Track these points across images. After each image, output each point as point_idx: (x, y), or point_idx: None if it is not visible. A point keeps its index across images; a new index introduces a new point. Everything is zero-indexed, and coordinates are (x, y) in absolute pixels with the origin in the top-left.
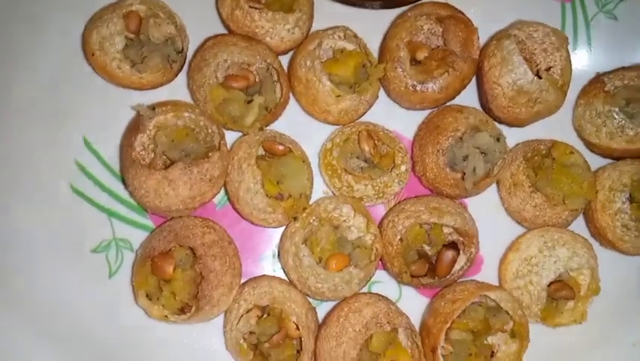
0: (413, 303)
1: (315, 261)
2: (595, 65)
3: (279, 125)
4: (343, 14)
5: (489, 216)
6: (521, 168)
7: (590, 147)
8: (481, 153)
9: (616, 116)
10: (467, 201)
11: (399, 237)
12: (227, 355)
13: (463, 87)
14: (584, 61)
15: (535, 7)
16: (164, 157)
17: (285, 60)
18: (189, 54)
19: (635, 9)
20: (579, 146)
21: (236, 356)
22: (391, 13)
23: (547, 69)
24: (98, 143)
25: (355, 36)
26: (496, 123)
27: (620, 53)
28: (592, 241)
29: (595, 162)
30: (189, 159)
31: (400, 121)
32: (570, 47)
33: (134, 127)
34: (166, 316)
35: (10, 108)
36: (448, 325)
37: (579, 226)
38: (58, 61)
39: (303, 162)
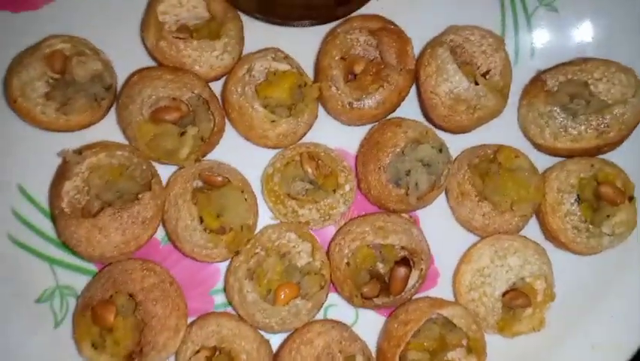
0: (371, 324)
1: (259, 296)
2: (537, 63)
3: (217, 153)
4: (274, 35)
5: (441, 226)
6: (467, 177)
7: (537, 147)
8: (425, 165)
9: (557, 116)
10: (418, 213)
11: (345, 261)
12: None
13: (401, 100)
14: (525, 59)
15: (473, 5)
16: (97, 200)
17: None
18: (119, 88)
19: (575, 1)
20: (527, 146)
21: None
22: (323, 29)
23: (487, 72)
24: (34, 189)
25: (287, 57)
26: (440, 131)
27: (561, 49)
28: (547, 243)
29: (545, 161)
30: (122, 201)
31: (342, 137)
32: (512, 47)
33: (61, 174)
34: None
35: None
36: (402, 348)
37: (533, 228)
38: None
39: (242, 192)
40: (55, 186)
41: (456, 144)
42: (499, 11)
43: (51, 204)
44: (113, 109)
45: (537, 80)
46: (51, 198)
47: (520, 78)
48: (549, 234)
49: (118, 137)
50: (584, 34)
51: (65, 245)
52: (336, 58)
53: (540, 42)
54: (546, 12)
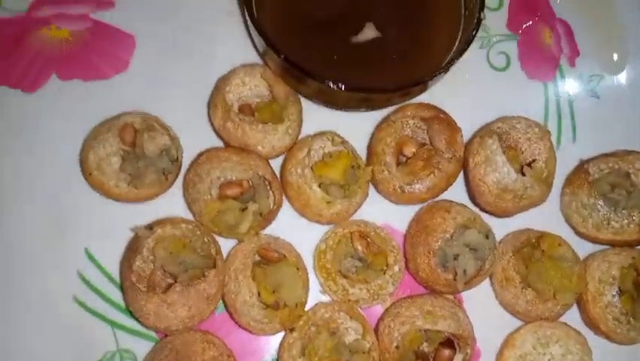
0: None
1: None
2: (580, 148)
3: (273, 227)
4: (330, 115)
5: (484, 308)
6: (511, 264)
7: (578, 234)
8: (471, 249)
9: (601, 209)
10: (462, 295)
11: (395, 344)
12: None
13: (450, 185)
14: (569, 144)
15: (518, 90)
16: (163, 272)
17: (277, 161)
18: (184, 162)
19: (616, 86)
20: (568, 230)
21: None
22: (377, 113)
23: (532, 161)
24: (100, 254)
25: (343, 141)
26: (485, 213)
27: (603, 133)
28: (586, 329)
29: (585, 246)
30: (187, 275)
31: (390, 214)
32: (554, 130)
33: (133, 248)
34: None
35: (12, 221)
36: None
37: (574, 313)
38: (57, 175)
39: (298, 269)
40: (127, 259)
41: (501, 228)
42: (543, 97)
43: (122, 275)
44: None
45: (580, 171)
46: (122, 270)
47: (562, 163)
48: (590, 321)
49: (180, 207)
50: (625, 120)
51: (133, 314)
52: (390, 145)
53: (582, 126)
54: (588, 98)
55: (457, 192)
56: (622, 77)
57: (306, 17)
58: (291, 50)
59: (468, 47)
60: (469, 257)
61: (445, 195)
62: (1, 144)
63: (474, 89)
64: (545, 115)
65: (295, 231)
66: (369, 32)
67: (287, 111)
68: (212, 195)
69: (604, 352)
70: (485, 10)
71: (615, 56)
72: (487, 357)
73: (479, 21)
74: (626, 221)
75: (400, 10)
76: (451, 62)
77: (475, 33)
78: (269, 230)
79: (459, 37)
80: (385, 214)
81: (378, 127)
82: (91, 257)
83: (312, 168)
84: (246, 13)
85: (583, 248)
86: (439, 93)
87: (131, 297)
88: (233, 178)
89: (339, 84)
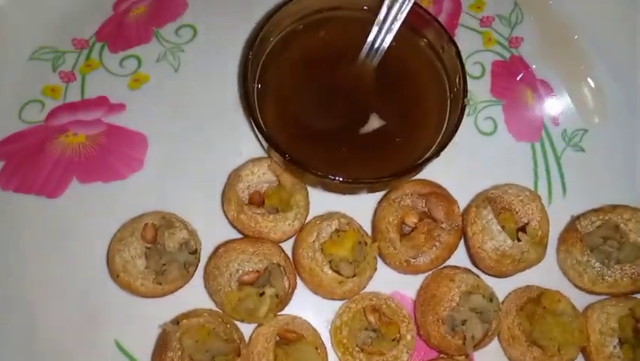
0: None
1: None
2: (571, 203)
3: (290, 306)
4: (335, 198)
5: None
6: (516, 323)
7: (577, 287)
8: (477, 312)
9: (594, 265)
10: (474, 355)
11: None
12: None
13: (451, 254)
14: (559, 200)
15: (507, 152)
16: (191, 359)
17: (289, 242)
18: (203, 253)
19: (600, 139)
20: (567, 283)
21: None
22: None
23: (526, 224)
24: (130, 345)
25: (349, 223)
26: (487, 275)
27: (591, 185)
28: None
29: (583, 296)
30: None
31: (399, 282)
32: (545, 187)
33: (163, 344)
34: None
35: (45, 319)
36: None
37: None
38: (85, 273)
39: (316, 348)
40: (158, 354)
41: (502, 285)
42: (532, 157)
43: None
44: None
45: (572, 229)
46: None
47: (555, 219)
48: None
49: (202, 296)
50: (611, 170)
51: None
52: (393, 223)
53: (571, 181)
54: (575, 152)
55: (460, 257)
56: (605, 130)
57: (305, 112)
58: (293, 145)
59: (457, 130)
60: (476, 321)
61: (450, 258)
62: (30, 248)
63: (465, 155)
64: (535, 173)
65: (310, 308)
66: (374, 122)
67: (294, 198)
68: (232, 287)
69: None
70: (468, 78)
71: (597, 111)
72: None
73: (464, 106)
74: (619, 275)
75: (391, 101)
76: (444, 145)
77: (462, 116)
78: (286, 310)
79: (447, 119)
80: (394, 282)
81: (380, 206)
82: (121, 348)
83: (321, 248)
84: (250, 117)
85: (583, 298)
86: (433, 164)
87: None
88: (251, 268)
89: (338, 178)
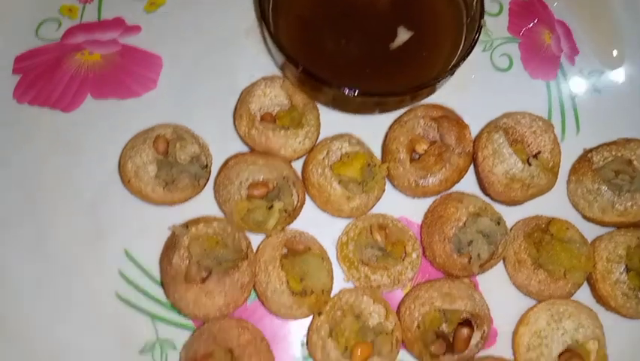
0: None
1: (341, 353)
2: (583, 140)
3: (298, 223)
4: (346, 119)
5: (498, 289)
6: (523, 247)
7: (586, 219)
8: (484, 236)
9: (605, 194)
10: (477, 278)
11: (416, 324)
12: None
13: (461, 178)
14: (572, 136)
15: (522, 89)
16: (198, 265)
17: (298, 163)
18: (214, 168)
19: (616, 81)
20: (575, 215)
21: None
22: (389, 116)
23: (538, 153)
24: (138, 254)
25: (359, 142)
26: (496, 203)
27: (605, 124)
28: (597, 306)
29: (592, 229)
30: (221, 267)
31: (406, 207)
32: (558, 124)
33: (171, 245)
34: None
35: (56, 227)
36: None
37: (585, 292)
38: (96, 183)
39: (322, 258)
40: (166, 255)
41: (511, 215)
42: (546, 95)
43: (161, 270)
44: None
45: (584, 160)
46: (161, 265)
47: (567, 154)
48: (600, 299)
49: (212, 207)
50: (626, 112)
51: (172, 305)
52: (404, 143)
53: (585, 119)
54: (590, 93)
55: (468, 185)
56: (621, 72)
57: (318, 29)
58: (307, 61)
59: (472, 49)
60: (483, 243)
61: (456, 188)
62: (44, 158)
63: (479, 89)
64: (549, 111)
65: (318, 226)
66: (390, 40)
67: (306, 118)
68: (242, 195)
69: (614, 327)
70: (486, 15)
71: (614, 53)
72: (504, 336)
73: (480, 27)
74: (629, 203)
75: (408, 20)
76: (457, 65)
77: (478, 36)
78: (294, 226)
79: (462, 42)
80: (401, 208)
81: (391, 128)
82: (130, 257)
83: (331, 167)
84: (265, 30)
85: (590, 232)
86: (447, 95)
87: (171, 289)
88: (261, 179)
89: (353, 90)
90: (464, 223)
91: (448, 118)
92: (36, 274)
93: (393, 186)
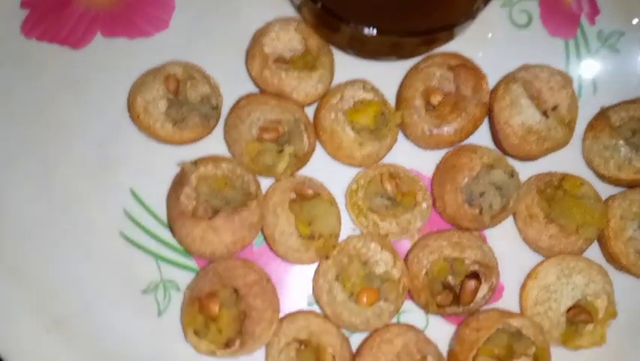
0: (440, 331)
1: (347, 296)
2: (600, 99)
3: (307, 169)
4: (361, 66)
5: (507, 245)
6: (535, 201)
7: (600, 177)
8: (497, 188)
9: (622, 150)
10: (486, 232)
11: (424, 271)
12: None
13: (476, 128)
14: (589, 96)
15: (540, 46)
16: (206, 205)
17: (311, 109)
18: (224, 109)
19: (635, 41)
20: (589, 175)
21: None
22: (405, 64)
23: (554, 107)
24: (144, 193)
25: (373, 88)
26: (509, 159)
27: (623, 86)
28: (607, 265)
29: (605, 190)
30: (229, 206)
31: (418, 160)
32: (575, 84)
33: (179, 182)
34: (213, 351)
35: (61, 165)
36: (474, 352)
37: (594, 252)
38: (104, 120)
39: (331, 204)
40: (174, 190)
41: (524, 171)
42: (564, 53)
43: (168, 206)
44: (217, 126)
45: (602, 116)
46: (168, 202)
47: (583, 112)
48: (611, 257)
49: (221, 150)
50: None
51: (178, 243)
52: (420, 90)
53: (602, 79)
54: (608, 53)
55: (480, 139)
56: None
57: None
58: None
59: None
60: (495, 194)
61: (469, 141)
62: (52, 94)
63: (497, 44)
64: (566, 70)
65: (328, 175)
66: None
67: (320, 61)
68: (253, 135)
69: (623, 288)
70: None
71: (634, 21)
72: (510, 292)
73: None
74: None
75: None
76: (477, 10)
77: None
78: (303, 172)
79: None
80: (413, 160)
81: (407, 75)
82: (136, 196)
83: (345, 114)
84: None
85: (603, 192)
86: (464, 49)
87: (178, 225)
88: (273, 118)
89: (372, 28)
90: (477, 174)
91: (466, 67)
92: (40, 212)
93: (406, 136)
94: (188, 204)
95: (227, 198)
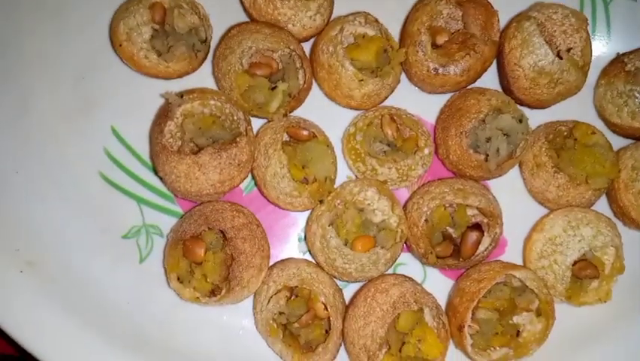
0: (437, 284)
1: (342, 242)
2: (615, 46)
3: (302, 112)
4: (361, 2)
5: (511, 198)
6: (544, 150)
7: (612, 127)
8: (504, 134)
9: (638, 95)
10: (490, 183)
11: (424, 218)
12: (257, 335)
13: (485, 70)
14: (603, 42)
15: None
16: (192, 144)
17: (307, 47)
18: (213, 43)
19: None
20: (600, 126)
21: (266, 336)
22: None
23: (568, 50)
24: (126, 132)
25: (376, 21)
26: (518, 105)
27: (638, 34)
28: (615, 220)
29: (616, 142)
30: (217, 144)
31: (422, 105)
32: (589, 28)
33: (163, 114)
34: (197, 298)
35: (38, 100)
36: (475, 303)
37: (602, 207)
38: (84, 52)
39: (327, 146)
40: (157, 125)
41: (533, 119)
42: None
43: (151, 141)
44: (205, 62)
45: (617, 62)
46: (151, 136)
47: (597, 59)
48: (619, 211)
49: (210, 85)
50: None
51: (163, 181)
52: (426, 24)
53: (617, 28)
54: (625, 1)
55: (490, 84)
56: None
57: None
58: None
59: None
60: (502, 140)
61: (482, 76)
62: (30, 24)
63: None
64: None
65: (324, 117)
66: None
67: None
68: (244, 65)
69: (632, 243)
70: None
71: None
72: (514, 246)
73: None
74: None
75: None
76: None
77: None
78: (298, 114)
79: None
80: (415, 105)
81: (413, 8)
82: (117, 134)
83: (344, 49)
84: None
85: (615, 143)
86: None
87: (162, 161)
88: (266, 47)
89: None
90: (484, 118)
91: (475, 2)
92: (14, 150)
93: (410, 77)
94: (172, 141)
95: (215, 137)
